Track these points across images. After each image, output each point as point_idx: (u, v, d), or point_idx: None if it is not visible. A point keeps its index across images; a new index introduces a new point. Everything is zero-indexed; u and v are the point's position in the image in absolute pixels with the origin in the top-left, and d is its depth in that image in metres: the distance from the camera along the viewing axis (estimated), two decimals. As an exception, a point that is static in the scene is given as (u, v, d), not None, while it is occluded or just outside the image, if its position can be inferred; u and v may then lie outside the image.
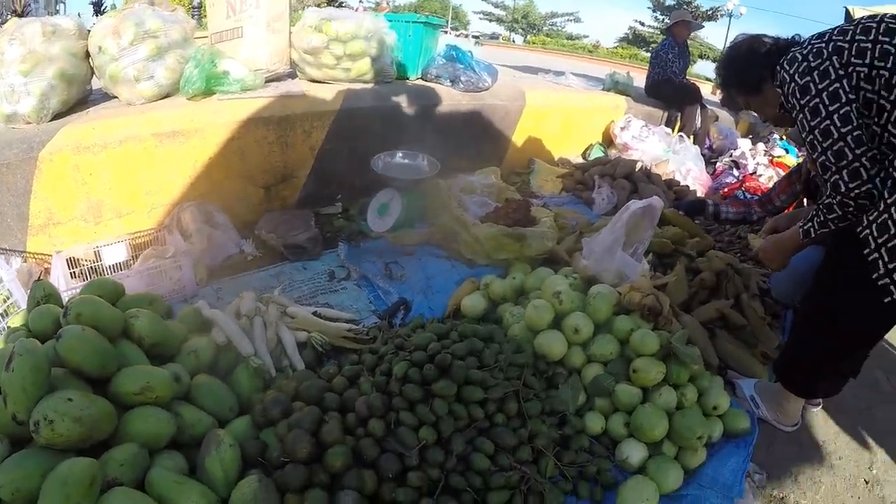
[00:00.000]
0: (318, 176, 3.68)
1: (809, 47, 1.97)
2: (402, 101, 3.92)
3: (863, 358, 2.29)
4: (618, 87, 6.52)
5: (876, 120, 1.86)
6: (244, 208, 3.44)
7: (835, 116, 1.87)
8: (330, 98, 3.62)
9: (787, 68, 2.01)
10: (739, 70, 2.36)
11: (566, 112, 5.42)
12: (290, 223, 3.35)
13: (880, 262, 1.86)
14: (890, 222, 1.81)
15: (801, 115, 1.98)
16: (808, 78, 1.93)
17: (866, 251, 1.89)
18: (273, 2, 3.54)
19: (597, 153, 5.50)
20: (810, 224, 2.10)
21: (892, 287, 1.86)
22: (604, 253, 2.57)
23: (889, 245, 1.82)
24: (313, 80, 3.82)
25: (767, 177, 5.28)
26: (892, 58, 1.79)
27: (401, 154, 3.65)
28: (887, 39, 1.81)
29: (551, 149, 5.31)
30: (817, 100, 1.91)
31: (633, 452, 2.14)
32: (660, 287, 2.73)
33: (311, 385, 2.04)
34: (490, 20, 63.86)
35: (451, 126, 4.24)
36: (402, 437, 1.85)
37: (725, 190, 5.10)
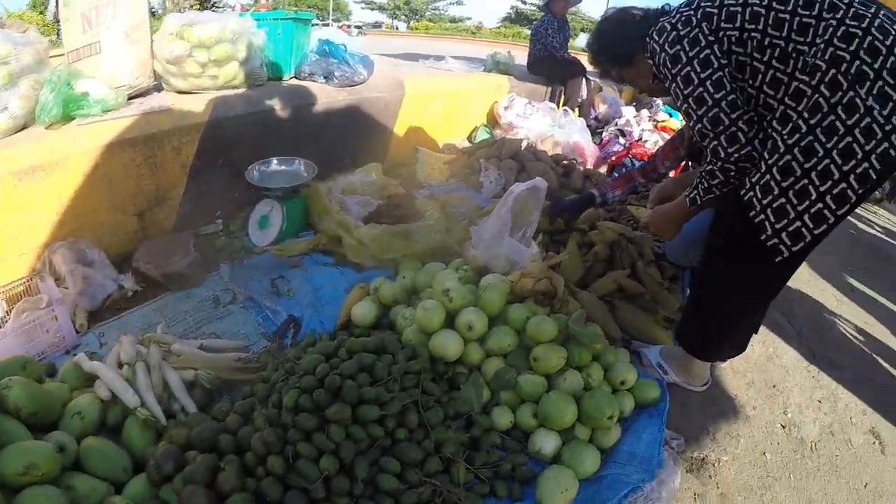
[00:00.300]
0: (194, 194, 3.42)
1: (678, 16, 1.93)
2: (276, 104, 3.70)
3: (762, 315, 2.31)
4: (499, 66, 6.47)
5: (750, 82, 1.85)
6: (119, 240, 3.15)
7: (707, 83, 1.85)
8: (198, 109, 3.35)
9: (657, 38, 1.98)
10: (610, 43, 2.33)
11: (448, 97, 5.33)
12: (168, 250, 3.09)
13: (767, 224, 1.85)
14: (773, 183, 1.79)
15: (673, 85, 1.95)
16: (678, 47, 1.90)
17: (752, 213, 1.88)
18: (131, 10, 3.20)
19: (482, 135, 5.43)
20: (695, 192, 2.08)
21: (781, 247, 1.86)
22: (492, 241, 2.48)
23: (774, 205, 1.81)
24: (180, 92, 3.52)
25: (653, 142, 5.35)
26: (762, 19, 1.77)
27: (276, 161, 3.46)
28: (757, 1, 1.79)
29: (436, 136, 5.20)
30: (688, 68, 1.88)
31: (546, 442, 2.06)
32: (554, 267, 2.66)
33: (204, 429, 1.85)
34: (372, 9, 63.32)
35: (329, 125, 4.07)
36: (303, 471, 1.70)
37: (613, 158, 5.12)
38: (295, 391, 1.86)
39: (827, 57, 1.65)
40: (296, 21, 4.15)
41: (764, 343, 3.10)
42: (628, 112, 6.21)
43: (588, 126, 6.17)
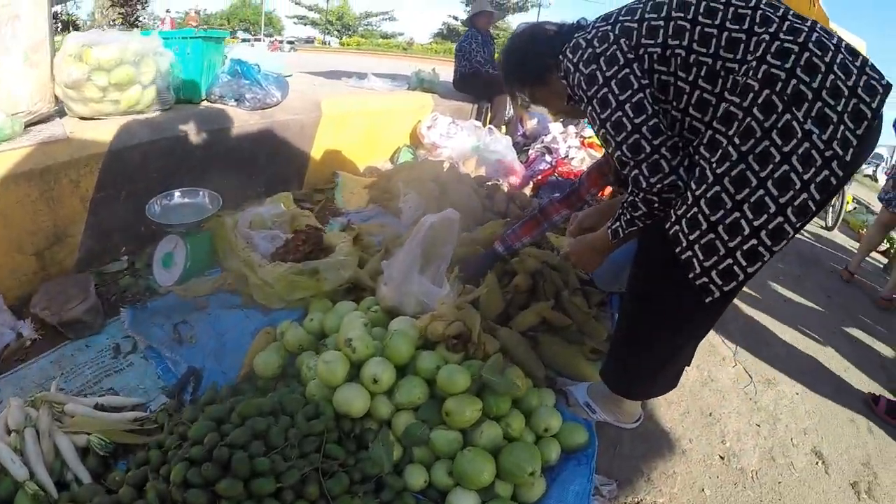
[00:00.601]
0: (96, 230, 3.12)
1: (594, 31, 1.77)
2: (183, 130, 3.44)
3: (693, 350, 2.14)
4: (423, 84, 6.31)
5: (675, 104, 1.69)
6: (17, 282, 2.84)
7: (626, 106, 1.68)
8: (98, 138, 3.05)
9: (571, 56, 1.81)
10: (520, 61, 2.13)
11: (368, 117, 5.12)
12: (67, 293, 2.77)
13: (695, 261, 1.69)
14: (700, 216, 1.63)
15: (589, 108, 1.77)
16: (594, 66, 1.73)
17: (678, 249, 1.70)
18: (31, 28, 2.88)
19: (405, 156, 5.23)
20: (618, 224, 1.91)
21: (711, 286, 1.70)
22: (401, 279, 2.28)
23: (703, 241, 1.65)
24: (82, 118, 3.22)
25: (580, 159, 5.22)
26: (687, 34, 1.62)
27: (179, 193, 3.16)
28: (681, 15, 1.64)
29: (356, 158, 4.99)
30: (605, 89, 1.71)
31: (464, 503, 1.86)
32: (474, 302, 2.48)
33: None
34: (305, 24, 63.20)
35: (240, 151, 3.83)
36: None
37: (539, 177, 4.97)
38: (183, 464, 1.64)
39: (760, 75, 1.51)
40: (206, 40, 3.87)
41: (698, 367, 2.99)
42: (555, 128, 6.10)
43: (516, 143, 6.05)
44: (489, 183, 4.35)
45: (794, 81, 1.48)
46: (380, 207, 4.08)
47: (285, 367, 2.33)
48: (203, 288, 2.88)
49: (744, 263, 1.62)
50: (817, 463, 2.52)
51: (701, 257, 1.66)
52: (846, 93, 1.47)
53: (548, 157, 5.20)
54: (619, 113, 1.69)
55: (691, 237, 1.66)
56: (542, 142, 5.63)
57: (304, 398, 2.07)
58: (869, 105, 1.48)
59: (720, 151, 1.59)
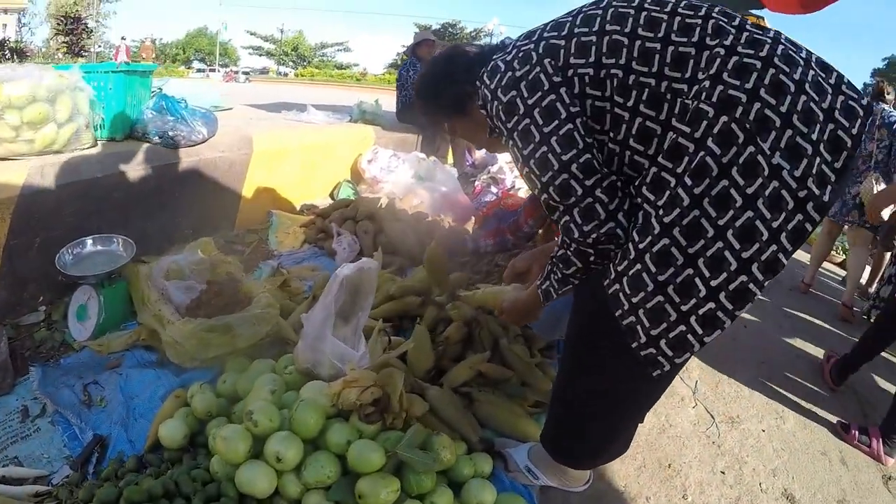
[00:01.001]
0: (10, 280, 2.85)
1: (514, 51, 1.53)
2: (102, 171, 3.16)
3: (646, 412, 1.94)
4: (365, 116, 6.10)
5: (612, 135, 1.44)
6: None
7: (552, 139, 1.43)
8: (10, 180, 2.78)
9: (488, 82, 1.55)
10: (435, 89, 1.87)
11: (306, 152, 4.89)
12: None
13: (639, 328, 1.43)
14: (645, 275, 1.37)
15: (510, 142, 1.52)
16: (514, 92, 1.48)
17: (618, 313, 1.46)
18: None
19: (345, 192, 5.00)
20: (548, 283, 1.67)
21: (660, 358, 1.44)
22: (315, 339, 2.04)
23: (648, 305, 1.39)
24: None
25: (526, 190, 5.00)
26: (625, 51, 1.37)
27: (91, 241, 2.90)
28: (617, 28, 1.40)
29: (293, 195, 4.75)
30: (527, 120, 1.46)
31: None
32: (402, 356, 2.26)
33: None
34: (260, 55, 63.44)
35: (164, 192, 3.57)
36: None
37: (484, 209, 4.76)
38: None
39: (715, 98, 1.26)
40: (129, 74, 3.61)
41: (655, 412, 2.74)
42: (503, 158, 5.91)
43: (464, 174, 5.86)
44: (429, 219, 4.13)
45: (757, 105, 1.23)
46: (316, 248, 3.84)
47: (195, 435, 2.08)
48: (117, 343, 2.62)
49: (699, 331, 1.36)
50: None
51: (646, 324, 1.41)
52: (821, 117, 1.23)
53: (493, 189, 4.99)
54: (544, 148, 1.43)
55: (634, 299, 1.41)
56: (489, 172, 5.43)
57: (208, 474, 1.84)
58: (848, 131, 1.24)
59: (667, 193, 1.33)
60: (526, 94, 1.46)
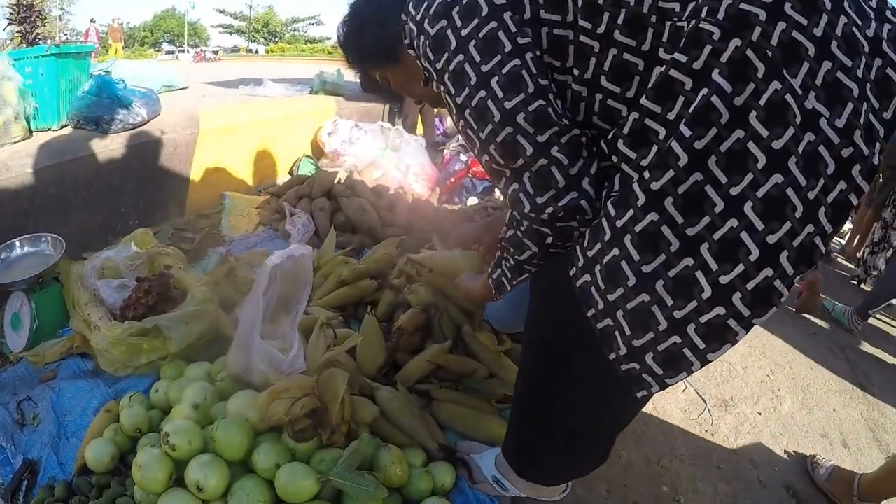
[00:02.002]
0: None
1: None
2: (33, 164, 2.88)
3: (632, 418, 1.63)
4: (326, 87, 5.74)
5: (576, 73, 1.12)
6: None
7: (493, 81, 1.10)
8: None
9: (413, 13, 1.23)
10: (359, 31, 1.55)
11: (261, 127, 4.54)
12: None
13: (617, 335, 1.10)
14: (625, 263, 1.04)
15: (441, 88, 1.20)
16: (444, 22, 1.15)
17: (589, 312, 1.14)
18: None
19: (306, 167, 4.66)
20: (499, 271, 1.36)
21: (645, 376, 1.10)
22: (243, 341, 1.76)
23: (629, 305, 1.05)
24: None
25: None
26: None
27: (19, 243, 2.61)
28: None
29: (248, 175, 4.42)
30: (460, 56, 1.14)
31: None
32: (350, 352, 1.99)
33: None
34: (230, 32, 62.68)
35: (103, 182, 3.27)
36: None
37: (452, 180, 4.47)
38: None
39: (721, 15, 0.92)
40: (61, 57, 3.30)
41: (638, 419, 2.46)
42: (473, 123, 5.62)
43: (435, 143, 5.59)
44: (391, 192, 3.83)
45: (782, 25, 0.90)
46: (271, 230, 3.53)
47: (126, 454, 1.80)
48: (52, 353, 2.33)
49: (700, 345, 1.01)
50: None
51: (627, 330, 1.08)
52: (866, 48, 0.92)
53: (462, 157, 4.69)
54: (482, 92, 1.12)
55: (610, 296, 1.08)
56: (458, 140, 5.12)
57: (133, 502, 1.58)
58: None
59: (655, 149, 0.99)
60: (459, 23, 1.14)
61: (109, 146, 3.33)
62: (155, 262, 2.60)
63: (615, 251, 1.05)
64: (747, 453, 2.32)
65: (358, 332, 2.17)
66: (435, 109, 6.01)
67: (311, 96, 5.65)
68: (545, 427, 1.48)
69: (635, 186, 1.01)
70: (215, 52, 38.56)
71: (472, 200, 4.25)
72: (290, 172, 4.75)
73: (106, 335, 2.09)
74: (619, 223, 1.03)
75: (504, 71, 1.10)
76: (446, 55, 1.16)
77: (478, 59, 1.12)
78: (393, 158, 4.53)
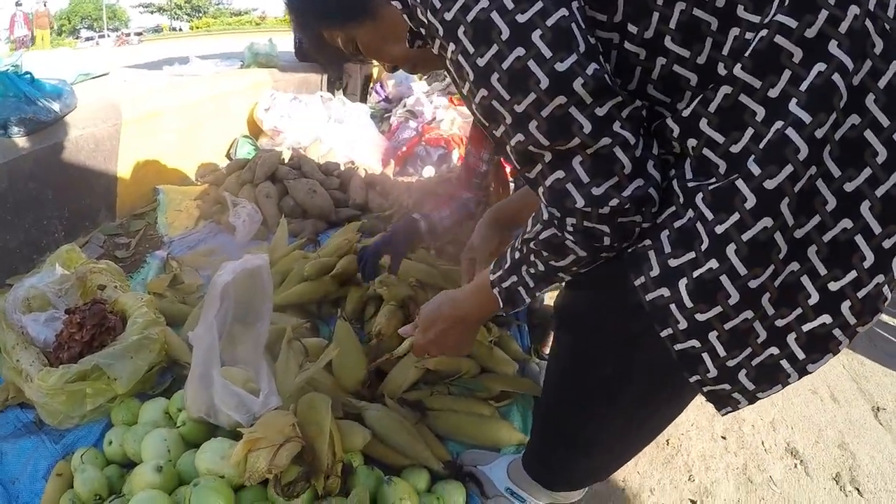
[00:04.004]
0: None
1: None
2: None
3: None
4: (258, 59, 5.32)
5: (631, 30, 0.89)
6: None
7: (536, 35, 0.84)
8: None
9: None
10: None
11: (190, 109, 4.16)
12: None
13: (707, 357, 0.91)
14: (726, 278, 0.84)
15: (452, 48, 0.91)
16: None
17: (667, 333, 0.92)
18: None
19: (244, 149, 4.30)
20: (516, 280, 1.10)
21: (736, 394, 0.93)
22: (200, 377, 1.46)
23: (728, 325, 0.87)
24: None
25: (449, 121, 4.37)
26: None
27: None
28: None
29: (181, 163, 4.03)
30: (485, 2, 0.85)
31: None
32: (328, 367, 1.73)
33: None
34: (152, 12, 61.08)
35: (16, 194, 2.90)
36: None
37: (404, 149, 4.17)
38: None
39: None
40: None
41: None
42: (419, 87, 5.29)
43: (379, 109, 5.27)
44: (341, 168, 3.51)
45: None
46: (213, 224, 3.20)
47: None
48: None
49: (800, 355, 0.87)
50: (796, 466, 2.12)
51: (721, 352, 0.89)
52: None
53: (412, 123, 4.39)
54: (520, 50, 0.85)
55: (700, 316, 0.88)
56: (405, 105, 4.80)
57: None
58: None
59: (752, 136, 0.82)
60: None
61: (20, 151, 2.94)
62: (87, 283, 2.25)
63: (713, 263, 0.85)
64: (748, 420, 2.30)
65: (328, 338, 1.90)
66: (375, 73, 5.68)
67: (242, 70, 5.26)
68: (584, 453, 1.31)
69: (740, 184, 0.81)
70: (139, 34, 37.28)
71: (429, 170, 3.98)
72: (228, 156, 4.39)
73: (40, 386, 1.75)
74: (719, 230, 0.83)
75: (549, 22, 0.84)
76: (462, 1, 0.87)
77: (511, 4, 0.84)
78: (339, 131, 4.21)
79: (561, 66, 0.83)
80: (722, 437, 2.18)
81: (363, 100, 5.47)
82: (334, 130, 4.23)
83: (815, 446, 2.21)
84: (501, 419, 1.80)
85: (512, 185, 2.46)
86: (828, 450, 2.21)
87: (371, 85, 5.81)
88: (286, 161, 3.40)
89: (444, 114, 4.52)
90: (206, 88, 4.50)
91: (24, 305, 2.09)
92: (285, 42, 6.09)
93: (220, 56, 5.92)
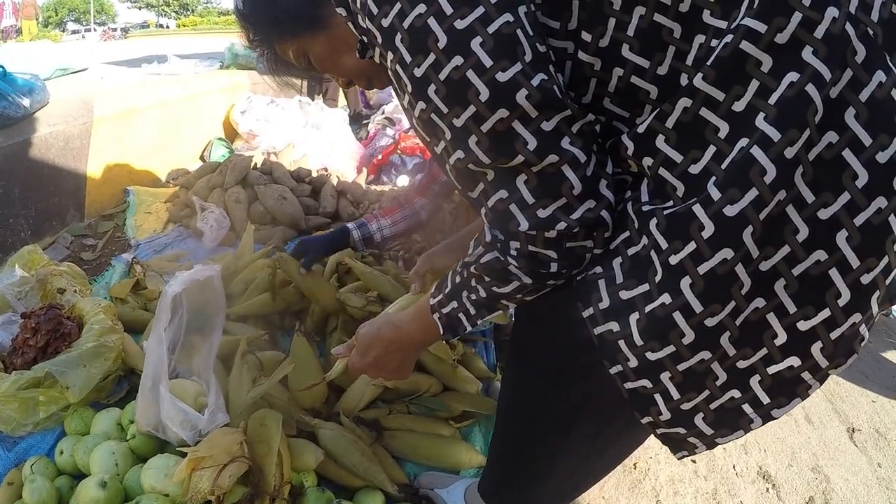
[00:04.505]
0: None
1: None
2: None
3: None
4: (238, 60, 5.26)
5: (585, 39, 0.83)
6: None
7: (476, 43, 0.78)
8: None
9: None
10: None
11: (165, 109, 4.10)
12: None
13: (659, 399, 0.85)
14: (679, 315, 0.78)
15: (388, 56, 0.85)
16: None
17: (616, 370, 0.87)
18: None
19: (218, 151, 4.23)
20: (456, 306, 1.04)
21: (692, 439, 0.89)
22: (149, 390, 1.42)
23: (682, 367, 0.81)
24: None
25: (431, 130, 4.37)
26: None
27: None
28: None
29: (154, 164, 3.97)
30: (422, 7, 0.79)
31: None
32: (284, 381, 1.68)
33: None
34: (140, 7, 60.74)
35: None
36: None
37: (380, 157, 4.13)
38: None
39: None
40: None
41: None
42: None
43: (359, 115, 5.24)
44: (314, 175, 3.47)
45: None
46: (181, 228, 3.14)
47: None
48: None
49: (763, 399, 0.81)
50: (768, 490, 2.06)
51: (675, 395, 0.84)
52: None
53: (389, 131, 4.35)
54: (458, 59, 0.79)
55: (651, 355, 0.82)
56: (384, 112, 4.76)
57: None
58: None
59: (714, 155, 0.76)
60: None
61: (-13, 146, 2.87)
62: (47, 285, 2.19)
63: (666, 298, 0.78)
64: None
65: (287, 351, 1.86)
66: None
67: (221, 71, 5.21)
68: (540, 481, 1.25)
69: (697, 210, 0.74)
70: (125, 30, 36.96)
71: (403, 179, 3.94)
72: (202, 158, 4.32)
73: (-7, 390, 1.70)
74: (673, 260, 0.77)
75: (491, 29, 0.78)
76: (398, 5, 0.81)
77: (449, 9, 0.78)
78: (315, 137, 4.16)
79: (503, 77, 0.78)
80: (692, 460, 2.13)
81: (354, 106, 5.42)
82: (310, 136, 4.18)
83: (789, 469, 2.18)
84: (462, 440, 1.76)
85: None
86: (801, 473, 2.18)
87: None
88: (258, 166, 3.35)
89: (424, 120, 4.47)
90: (182, 89, 4.42)
91: (-19, 307, 2.05)
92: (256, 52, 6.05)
93: (202, 55, 5.87)
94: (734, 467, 2.14)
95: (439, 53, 0.80)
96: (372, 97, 5.73)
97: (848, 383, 2.75)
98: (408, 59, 0.82)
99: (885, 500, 2.09)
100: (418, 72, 0.82)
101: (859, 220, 0.71)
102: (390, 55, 0.85)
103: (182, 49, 7.24)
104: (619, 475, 1.98)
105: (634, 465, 2.04)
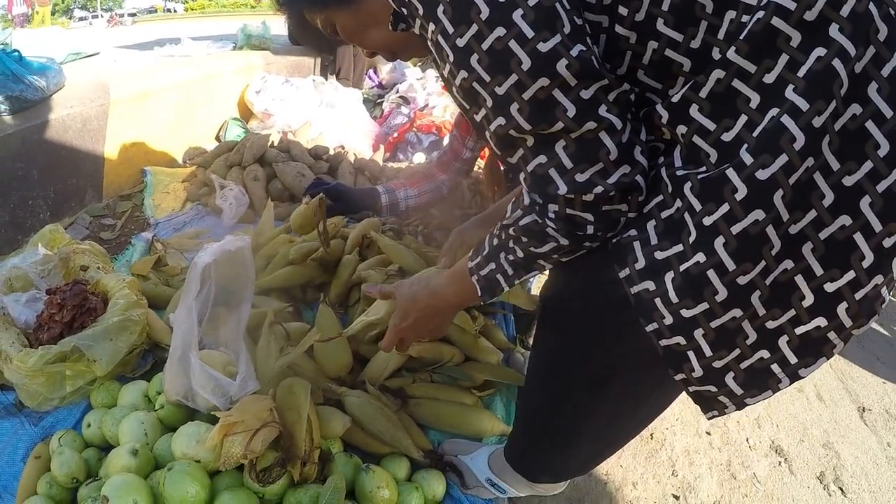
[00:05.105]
0: None
1: None
2: None
3: None
4: (251, 41, 5.27)
5: (621, 12, 0.85)
6: None
7: (517, 14, 0.80)
8: None
9: None
10: None
11: (180, 90, 4.11)
12: None
13: (692, 356, 0.88)
14: (713, 272, 0.81)
15: (430, 27, 0.88)
16: None
17: (652, 328, 0.90)
18: None
19: (234, 131, 4.25)
20: (494, 267, 1.07)
21: (722, 398, 0.92)
22: (178, 359, 1.44)
23: (715, 323, 0.84)
24: None
25: (442, 107, 4.33)
26: None
27: None
28: None
29: (170, 145, 3.99)
30: None
31: None
32: (309, 352, 1.71)
33: None
34: (146, -8, 60.60)
35: (1, 173, 2.87)
36: None
37: (395, 135, 4.13)
38: None
39: None
40: None
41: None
42: (413, 74, 5.23)
43: (372, 95, 5.24)
44: (331, 152, 3.48)
45: None
46: (200, 207, 3.16)
47: None
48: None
49: (791, 359, 0.84)
50: (780, 464, 2.11)
51: (707, 352, 0.87)
52: None
53: (404, 109, 4.35)
54: (500, 30, 0.81)
55: (686, 312, 0.85)
56: (398, 91, 4.76)
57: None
58: None
59: (745, 125, 0.79)
60: None
61: (6, 130, 2.90)
62: (69, 263, 2.21)
63: (700, 257, 0.82)
64: (733, 415, 2.27)
65: (312, 322, 1.88)
66: (367, 60, 5.62)
67: (235, 52, 5.20)
68: (567, 445, 1.29)
69: (731, 174, 0.78)
70: (133, 15, 36.89)
71: (420, 157, 3.95)
72: (218, 138, 4.34)
73: (19, 367, 1.71)
74: (707, 221, 0.80)
75: (532, 2, 0.80)
76: None
77: None
78: (330, 115, 4.16)
79: (544, 47, 0.81)
80: (706, 432, 2.17)
81: (358, 85, 5.43)
82: (325, 115, 4.18)
83: (800, 445, 2.21)
84: (484, 409, 1.78)
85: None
86: (812, 449, 2.20)
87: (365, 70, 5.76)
88: (275, 144, 3.36)
89: (436, 100, 4.48)
90: (196, 70, 4.43)
91: (6, 286, 2.06)
92: (279, 25, 6.00)
93: (213, 38, 5.86)
94: (747, 440, 2.17)
95: (482, 24, 0.82)
96: (384, 78, 5.72)
97: (859, 364, 2.78)
98: (450, 29, 0.85)
99: (893, 478, 2.13)
100: (461, 42, 0.85)
101: (881, 186, 0.74)
102: (432, 26, 0.88)
103: (192, 32, 7.25)
104: (636, 445, 2.02)
105: (651, 435, 2.08)
